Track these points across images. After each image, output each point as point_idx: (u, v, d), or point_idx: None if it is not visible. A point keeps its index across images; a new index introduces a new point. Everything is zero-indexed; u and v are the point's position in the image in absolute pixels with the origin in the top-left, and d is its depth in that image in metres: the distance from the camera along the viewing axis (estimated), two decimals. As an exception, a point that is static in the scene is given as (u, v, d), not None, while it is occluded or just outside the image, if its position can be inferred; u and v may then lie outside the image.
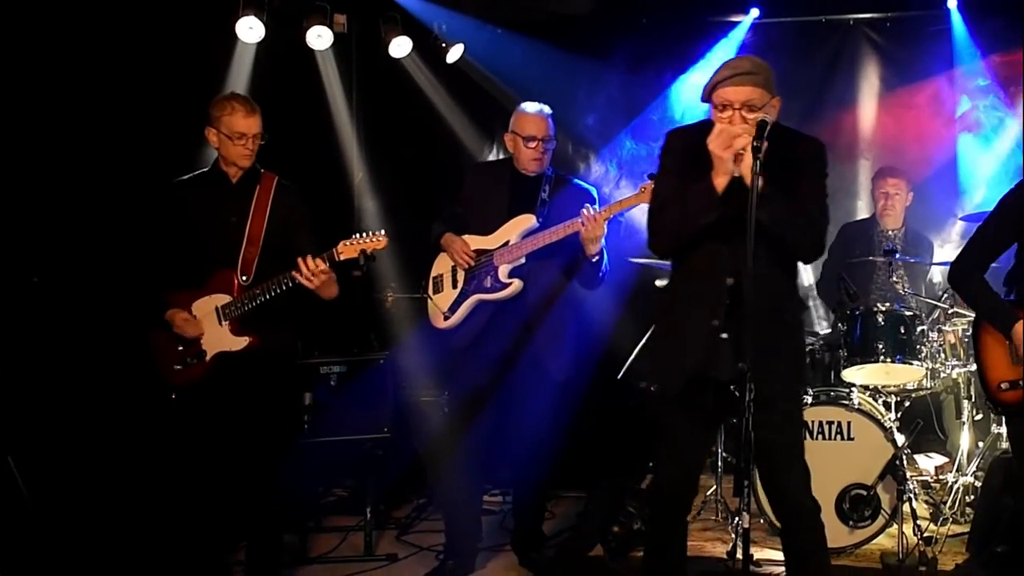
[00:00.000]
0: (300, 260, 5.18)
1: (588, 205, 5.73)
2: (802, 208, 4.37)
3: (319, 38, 7.97)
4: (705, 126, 4.41)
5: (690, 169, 4.41)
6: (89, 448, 6.27)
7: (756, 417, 4.39)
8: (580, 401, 6.34)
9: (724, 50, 8.86)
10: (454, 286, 6.07)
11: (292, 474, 5.81)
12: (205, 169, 5.54)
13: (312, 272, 5.17)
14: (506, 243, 5.94)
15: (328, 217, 5.71)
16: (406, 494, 7.64)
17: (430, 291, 6.17)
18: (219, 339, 5.35)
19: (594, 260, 5.84)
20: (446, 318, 6.05)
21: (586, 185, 6.21)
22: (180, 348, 5.38)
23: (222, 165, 5.43)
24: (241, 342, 5.33)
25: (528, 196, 6.03)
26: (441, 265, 6.16)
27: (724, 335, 4.40)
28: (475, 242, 6.01)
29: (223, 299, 5.34)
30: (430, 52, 8.60)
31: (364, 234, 5.30)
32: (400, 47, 8.33)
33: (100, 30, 6.50)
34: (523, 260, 5.91)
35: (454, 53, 8.48)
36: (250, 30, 7.45)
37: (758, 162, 4.09)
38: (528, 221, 5.93)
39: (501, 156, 7.45)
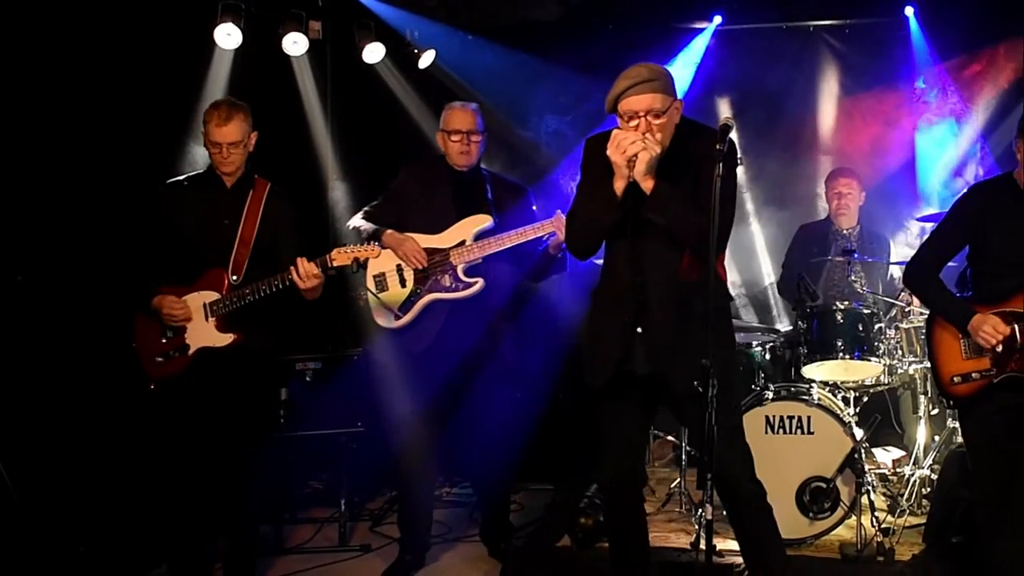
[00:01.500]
0: (299, 261, 5.31)
1: (560, 211, 5.73)
2: (699, 206, 4.38)
3: (295, 44, 8.00)
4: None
5: (603, 174, 4.49)
6: (74, 442, 6.27)
7: (685, 409, 4.59)
8: (546, 395, 6.46)
9: (689, 55, 9.03)
10: (402, 285, 6.02)
11: (268, 467, 5.85)
12: (200, 171, 5.68)
13: (307, 274, 5.31)
14: (462, 242, 5.94)
15: (303, 219, 5.81)
16: (379, 487, 7.70)
17: (373, 289, 6.08)
18: (204, 334, 5.44)
19: (560, 256, 5.95)
20: (397, 318, 5.99)
21: (519, 183, 6.35)
22: (164, 340, 5.46)
23: (216, 169, 5.55)
24: (226, 338, 5.43)
25: (471, 195, 6.05)
26: (382, 263, 6.00)
27: (639, 329, 4.53)
28: (424, 241, 5.97)
29: (212, 296, 5.44)
30: (403, 58, 8.68)
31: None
32: (373, 53, 8.39)
33: (82, 35, 6.50)
34: (480, 259, 5.94)
35: (426, 59, 8.56)
36: (228, 36, 7.51)
37: (720, 165, 4.15)
38: (484, 221, 5.96)
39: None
